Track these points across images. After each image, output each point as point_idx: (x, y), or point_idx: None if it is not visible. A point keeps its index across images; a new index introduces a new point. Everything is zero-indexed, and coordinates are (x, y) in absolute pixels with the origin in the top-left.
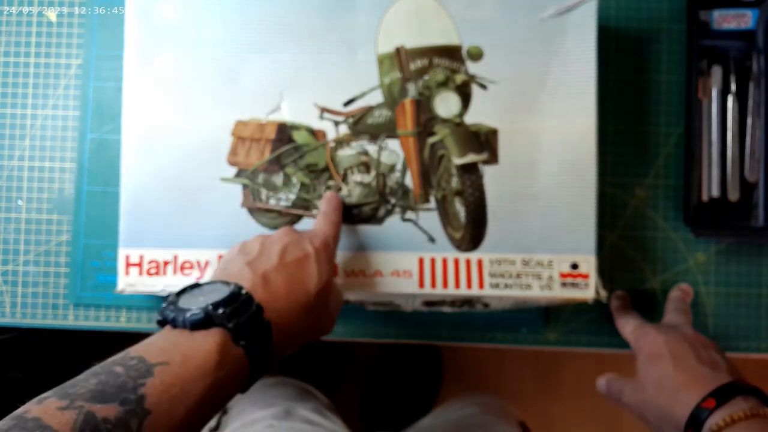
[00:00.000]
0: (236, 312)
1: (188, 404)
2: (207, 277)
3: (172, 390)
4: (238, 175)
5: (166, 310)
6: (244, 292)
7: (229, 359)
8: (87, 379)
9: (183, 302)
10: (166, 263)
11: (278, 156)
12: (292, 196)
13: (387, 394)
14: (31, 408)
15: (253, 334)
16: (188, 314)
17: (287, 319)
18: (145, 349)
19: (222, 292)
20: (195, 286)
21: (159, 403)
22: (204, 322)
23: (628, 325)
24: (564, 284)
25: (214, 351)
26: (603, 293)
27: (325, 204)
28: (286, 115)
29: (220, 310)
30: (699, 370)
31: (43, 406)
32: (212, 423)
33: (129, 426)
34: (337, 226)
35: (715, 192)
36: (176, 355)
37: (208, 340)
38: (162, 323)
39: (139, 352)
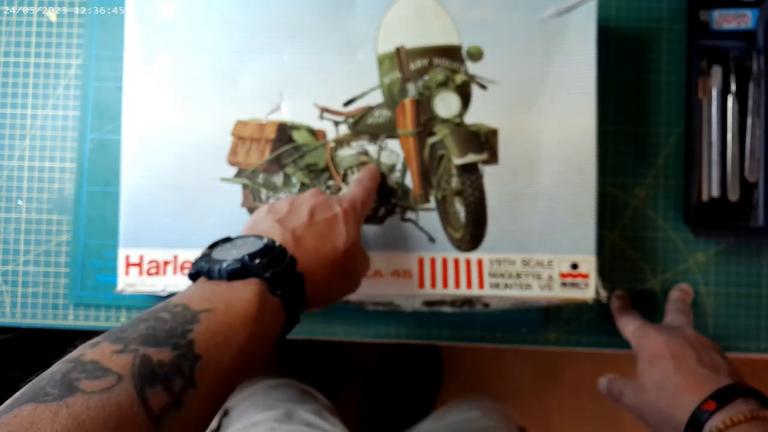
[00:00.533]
0: (272, 262)
1: (233, 351)
2: None
3: (218, 337)
4: (238, 175)
5: (200, 262)
6: (277, 244)
7: (267, 308)
8: (136, 325)
9: (217, 254)
10: (166, 263)
11: (278, 156)
12: None
13: (387, 394)
14: (86, 351)
15: (288, 284)
16: (224, 264)
17: (317, 275)
18: (187, 298)
19: (255, 244)
20: (226, 240)
21: (207, 348)
22: (241, 272)
23: (629, 326)
24: (564, 284)
25: (254, 299)
26: (603, 293)
27: (362, 172)
28: (286, 115)
29: (257, 261)
30: (700, 372)
31: (99, 350)
32: (213, 424)
33: (182, 369)
34: (369, 192)
35: (715, 192)
36: (219, 304)
37: (247, 289)
38: (194, 277)
39: (182, 300)
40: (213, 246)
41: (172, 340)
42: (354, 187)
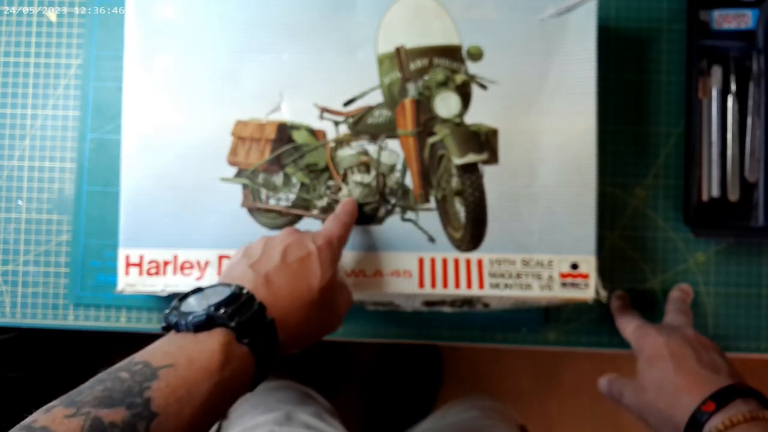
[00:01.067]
0: (238, 311)
1: (195, 405)
2: (207, 276)
3: (178, 392)
4: (238, 175)
5: (170, 315)
6: (245, 291)
7: (234, 358)
8: (93, 386)
9: (186, 306)
10: (166, 263)
11: (278, 156)
12: (292, 196)
13: (387, 395)
14: (39, 417)
15: (256, 332)
16: (190, 317)
17: (291, 317)
18: (149, 354)
19: (223, 293)
20: (197, 290)
21: (166, 405)
22: (206, 323)
23: (629, 326)
24: (564, 284)
25: (218, 351)
26: (603, 293)
27: (339, 206)
28: (286, 115)
29: (222, 310)
30: (699, 373)
31: (51, 415)
32: (213, 426)
33: (136, 429)
34: (345, 227)
35: (715, 192)
36: (181, 358)
37: (212, 341)
38: (166, 329)
39: (144, 357)
40: (184, 297)
41: (127, 400)
42: (331, 222)
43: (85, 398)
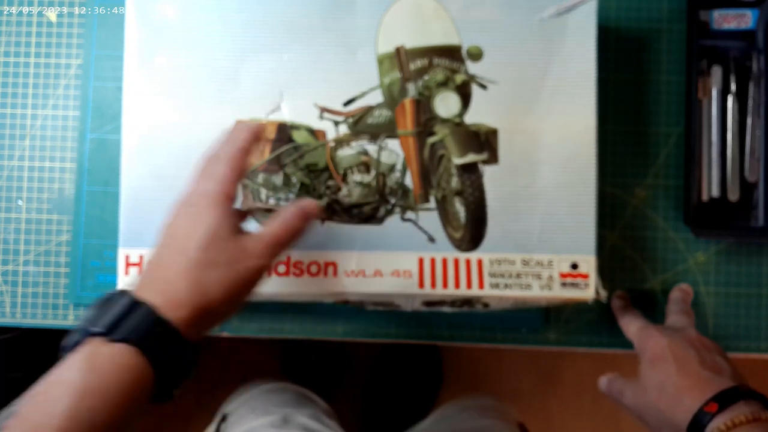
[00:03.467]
0: (102, 308)
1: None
2: None
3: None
4: None
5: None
6: (117, 291)
7: (100, 363)
8: None
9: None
10: None
11: (278, 156)
12: (292, 196)
13: (386, 395)
14: None
15: (130, 325)
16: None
17: (175, 286)
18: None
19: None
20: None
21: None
22: (78, 341)
23: (632, 326)
24: (564, 284)
25: (77, 363)
26: (603, 293)
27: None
28: (286, 115)
29: (86, 315)
30: (702, 375)
31: None
32: (211, 429)
33: None
34: (234, 162)
35: (715, 192)
36: (39, 386)
37: (72, 358)
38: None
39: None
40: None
41: None
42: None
43: None
